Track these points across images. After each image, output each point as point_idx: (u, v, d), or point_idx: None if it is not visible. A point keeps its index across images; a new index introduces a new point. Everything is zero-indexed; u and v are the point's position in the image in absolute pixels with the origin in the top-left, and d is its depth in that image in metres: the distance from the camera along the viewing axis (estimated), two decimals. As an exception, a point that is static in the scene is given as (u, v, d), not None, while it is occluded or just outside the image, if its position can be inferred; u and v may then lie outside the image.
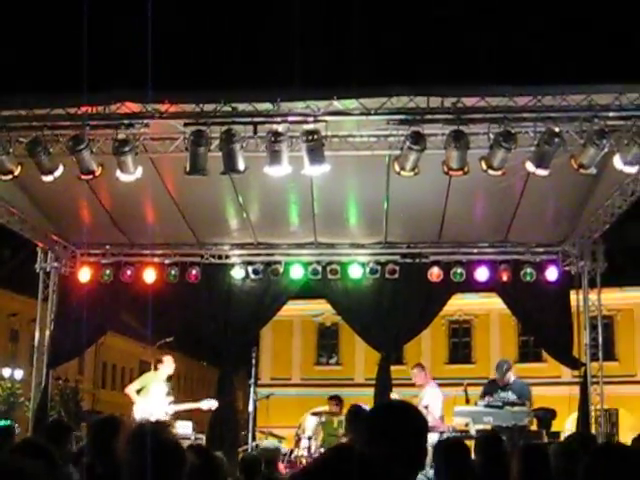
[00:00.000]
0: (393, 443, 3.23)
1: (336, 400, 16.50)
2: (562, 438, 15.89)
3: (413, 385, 16.38)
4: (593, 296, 17.45)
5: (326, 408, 16.66)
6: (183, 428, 15.23)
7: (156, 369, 16.46)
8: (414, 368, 16.30)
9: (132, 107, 12.10)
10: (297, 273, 17.67)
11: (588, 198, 15.14)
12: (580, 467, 3.83)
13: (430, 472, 7.63)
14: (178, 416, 16.14)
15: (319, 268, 17.57)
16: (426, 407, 14.47)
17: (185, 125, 12.16)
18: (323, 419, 16.20)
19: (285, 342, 45.19)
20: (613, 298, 33.20)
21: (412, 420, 3.40)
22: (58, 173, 12.47)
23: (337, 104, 11.85)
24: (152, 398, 15.61)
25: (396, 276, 17.39)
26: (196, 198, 15.39)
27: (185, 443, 5.60)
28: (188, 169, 12.11)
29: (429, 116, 11.85)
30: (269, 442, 14.93)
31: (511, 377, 15.05)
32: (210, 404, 17.03)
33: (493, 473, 6.24)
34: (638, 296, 39.44)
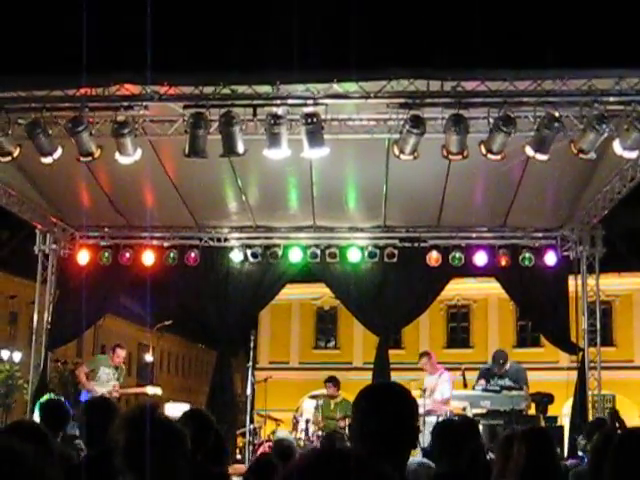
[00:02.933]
0: (384, 422, 3.27)
1: (333, 382, 16.53)
2: (559, 423, 15.97)
3: (411, 369, 16.41)
4: (591, 281, 17.46)
5: (324, 391, 16.70)
6: (181, 410, 15.32)
7: (109, 354, 16.59)
8: (422, 357, 16.12)
9: (131, 89, 12.09)
10: (296, 256, 17.66)
11: (587, 183, 15.15)
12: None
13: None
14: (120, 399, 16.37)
15: (318, 251, 17.55)
16: (446, 400, 14.41)
17: (184, 107, 12.14)
18: (321, 402, 16.26)
19: (283, 326, 45.17)
20: (611, 284, 33.36)
21: (401, 399, 3.44)
22: (57, 155, 12.46)
23: (337, 87, 11.83)
24: (98, 381, 15.72)
25: (395, 260, 17.39)
26: (195, 181, 15.39)
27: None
28: (187, 151, 12.10)
29: (429, 100, 11.83)
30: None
31: (507, 366, 15.05)
32: (155, 390, 17.33)
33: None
34: (636, 282, 39.38)
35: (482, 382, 14.44)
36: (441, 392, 14.77)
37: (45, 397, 15.32)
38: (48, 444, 5.07)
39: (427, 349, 17.36)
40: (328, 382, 16.64)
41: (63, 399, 9.64)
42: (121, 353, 16.46)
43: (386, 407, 3.36)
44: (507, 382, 14.31)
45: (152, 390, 17.51)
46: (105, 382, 15.76)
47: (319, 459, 2.06)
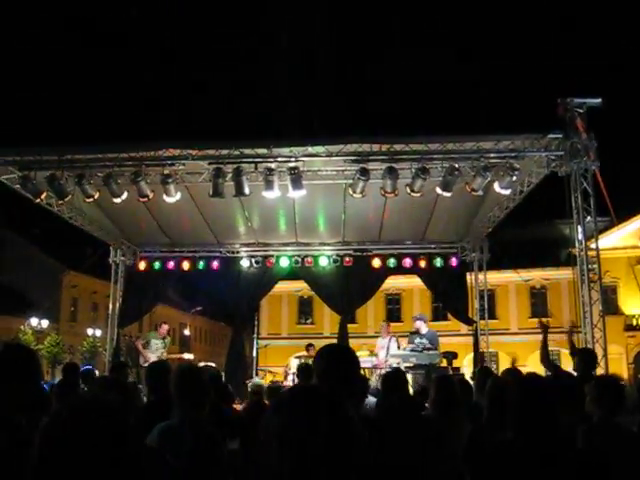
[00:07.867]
0: (337, 378, 3.12)
1: (310, 347, 16.51)
2: (461, 372, 15.93)
3: (362, 337, 16.34)
4: (481, 276, 17.53)
5: (304, 353, 16.65)
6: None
7: (157, 330, 16.38)
8: (383, 323, 16.02)
9: (173, 152, 12.05)
10: (284, 263, 17.59)
11: (477, 211, 15.21)
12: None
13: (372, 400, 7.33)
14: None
15: (299, 259, 17.51)
16: (395, 356, 14.11)
17: (209, 164, 12.12)
18: (303, 360, 16.16)
19: (277, 309, 45.23)
20: (494, 277, 33.35)
21: (344, 358, 3.30)
22: (124, 196, 12.43)
23: (310, 149, 11.85)
24: (150, 350, 15.52)
25: (351, 264, 17.36)
26: (216, 213, 15.31)
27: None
28: (211, 193, 12.06)
29: (372, 157, 11.87)
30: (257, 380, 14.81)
31: (425, 328, 14.71)
32: (189, 356, 17.38)
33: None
34: (510, 276, 39.52)
35: (410, 345, 14.33)
36: (391, 351, 14.47)
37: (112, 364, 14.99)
38: (130, 394, 4.99)
39: (385, 320, 17.18)
40: (308, 347, 16.64)
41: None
42: (164, 326, 16.30)
43: (347, 360, 3.29)
44: (425, 341, 14.14)
45: (187, 356, 17.32)
46: (155, 350, 15.52)
47: (299, 393, 1.90)
